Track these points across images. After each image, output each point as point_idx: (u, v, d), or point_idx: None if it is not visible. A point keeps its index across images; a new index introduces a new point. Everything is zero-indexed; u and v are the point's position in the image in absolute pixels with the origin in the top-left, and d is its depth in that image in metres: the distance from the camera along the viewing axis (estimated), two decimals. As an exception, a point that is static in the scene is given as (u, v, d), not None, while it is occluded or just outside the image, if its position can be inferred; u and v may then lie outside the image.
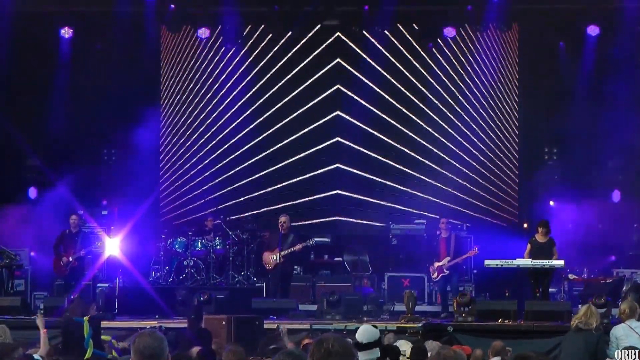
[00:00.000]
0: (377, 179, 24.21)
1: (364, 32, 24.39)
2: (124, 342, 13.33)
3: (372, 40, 24.30)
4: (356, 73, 24.31)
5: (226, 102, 24.63)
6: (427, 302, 21.43)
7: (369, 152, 24.29)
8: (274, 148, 24.49)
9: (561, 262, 18.39)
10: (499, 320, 17.33)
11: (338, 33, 24.47)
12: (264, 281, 21.33)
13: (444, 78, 24.17)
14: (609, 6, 22.90)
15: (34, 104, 23.35)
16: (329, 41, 24.47)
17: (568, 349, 13.12)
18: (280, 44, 24.45)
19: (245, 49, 24.64)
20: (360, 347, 6.77)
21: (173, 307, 19.46)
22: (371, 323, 7.20)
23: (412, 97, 24.22)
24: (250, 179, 24.44)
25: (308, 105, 24.39)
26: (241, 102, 24.54)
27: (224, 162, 24.57)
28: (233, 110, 24.55)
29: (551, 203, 23.15)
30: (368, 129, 24.29)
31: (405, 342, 12.78)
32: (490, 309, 18.14)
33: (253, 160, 24.49)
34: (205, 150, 24.69)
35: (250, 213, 24.21)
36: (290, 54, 24.46)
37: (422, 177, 24.09)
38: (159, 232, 22.54)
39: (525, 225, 23.02)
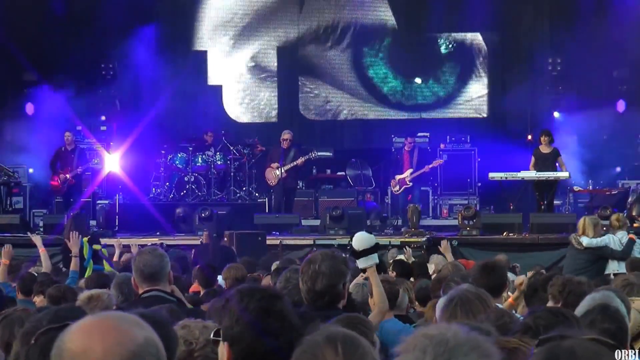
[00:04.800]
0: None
1: None
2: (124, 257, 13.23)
3: None
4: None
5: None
6: (432, 216, 21.31)
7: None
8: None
9: (566, 174, 18.22)
10: (504, 234, 17.31)
11: None
12: (266, 196, 21.16)
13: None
14: None
15: (31, 17, 22.90)
16: None
17: (567, 266, 13.06)
18: None
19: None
20: (357, 254, 6.67)
21: (174, 223, 19.32)
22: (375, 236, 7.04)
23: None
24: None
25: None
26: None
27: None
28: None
29: (555, 114, 22.91)
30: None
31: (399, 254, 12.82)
32: (495, 222, 18.16)
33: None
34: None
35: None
36: None
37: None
38: (159, 148, 22.27)
39: (530, 137, 22.76)
